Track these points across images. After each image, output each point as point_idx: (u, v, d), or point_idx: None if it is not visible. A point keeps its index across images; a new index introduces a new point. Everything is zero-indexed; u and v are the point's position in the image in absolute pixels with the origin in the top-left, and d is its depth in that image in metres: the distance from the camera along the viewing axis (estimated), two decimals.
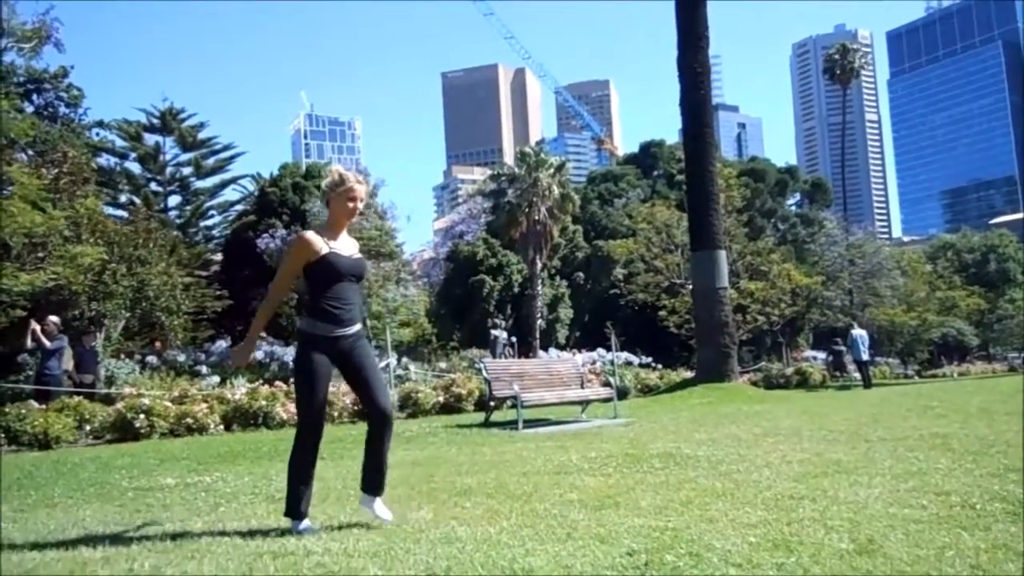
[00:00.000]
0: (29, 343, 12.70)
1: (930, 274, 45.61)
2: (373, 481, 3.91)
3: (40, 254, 17.40)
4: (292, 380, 4.24)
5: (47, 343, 12.23)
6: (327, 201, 3.98)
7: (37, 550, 3.61)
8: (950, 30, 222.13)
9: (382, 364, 20.35)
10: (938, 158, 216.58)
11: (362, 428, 11.11)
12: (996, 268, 59.02)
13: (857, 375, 23.93)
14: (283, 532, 3.77)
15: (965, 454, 5.30)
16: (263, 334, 24.58)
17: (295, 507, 3.83)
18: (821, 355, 38.53)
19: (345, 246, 3.93)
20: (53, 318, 12.99)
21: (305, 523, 3.80)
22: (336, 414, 12.12)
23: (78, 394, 11.50)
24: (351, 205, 3.92)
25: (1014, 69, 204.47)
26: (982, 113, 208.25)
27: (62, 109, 29.02)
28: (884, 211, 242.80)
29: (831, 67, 57.12)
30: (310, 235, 3.87)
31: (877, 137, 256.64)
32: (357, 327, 3.92)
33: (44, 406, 10.37)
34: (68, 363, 12.67)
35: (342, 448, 8.08)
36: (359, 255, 4.02)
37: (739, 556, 2.87)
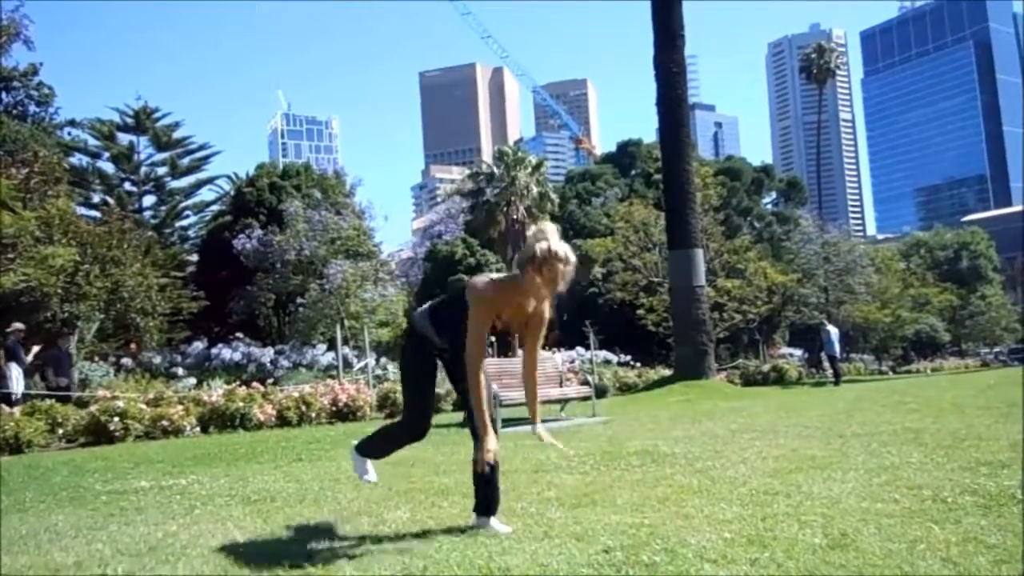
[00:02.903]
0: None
1: (903, 271, 46.21)
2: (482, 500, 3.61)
3: (10, 255, 17.14)
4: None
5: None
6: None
7: (8, 556, 3.56)
8: (923, 30, 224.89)
9: (360, 364, 20.38)
10: (911, 157, 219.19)
11: (342, 429, 11.06)
12: (968, 265, 59.94)
13: (831, 371, 24.17)
14: (260, 535, 3.75)
15: (937, 448, 5.36)
16: (240, 334, 24.49)
17: (362, 446, 3.90)
18: (797, 352, 38.93)
19: (509, 315, 3.41)
20: (18, 324, 12.90)
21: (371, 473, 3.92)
22: (314, 415, 12.04)
23: (50, 397, 11.35)
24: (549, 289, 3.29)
25: (985, 69, 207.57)
26: (954, 112, 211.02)
27: (32, 108, 28.65)
28: (858, 209, 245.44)
29: (808, 66, 57.73)
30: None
31: (851, 136, 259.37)
32: None
33: (12, 411, 10.24)
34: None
35: (320, 449, 8.05)
36: (520, 328, 3.50)
37: (714, 552, 2.89)
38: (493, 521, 3.59)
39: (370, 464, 3.92)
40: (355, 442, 3.98)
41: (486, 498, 3.60)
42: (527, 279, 3.27)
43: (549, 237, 3.27)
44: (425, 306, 3.69)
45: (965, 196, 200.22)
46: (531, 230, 3.40)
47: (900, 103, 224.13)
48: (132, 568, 3.17)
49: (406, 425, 3.77)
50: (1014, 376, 15.31)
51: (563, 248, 3.26)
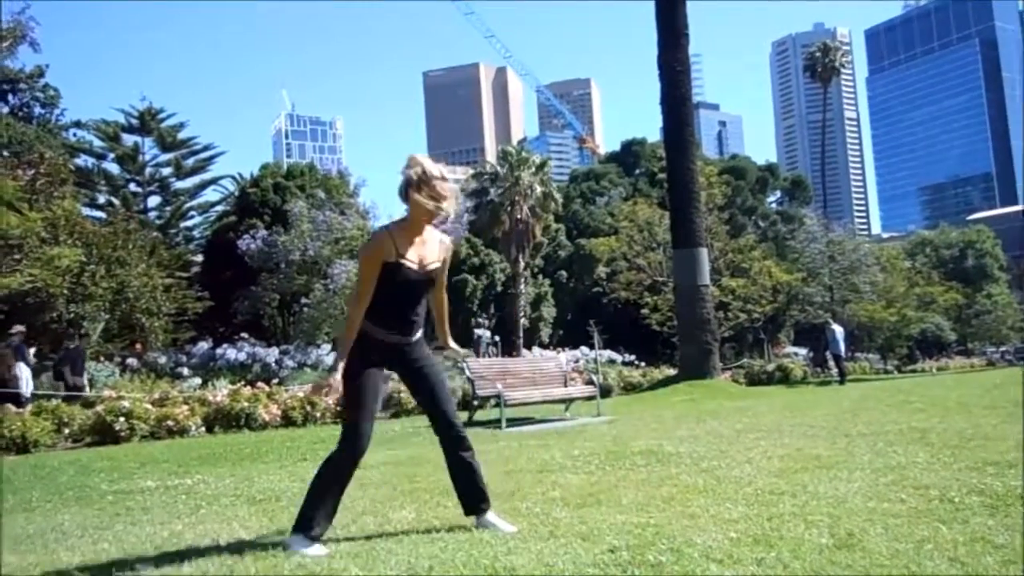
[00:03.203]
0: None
1: (909, 270, 45.98)
2: (470, 500, 3.61)
3: (16, 256, 17.20)
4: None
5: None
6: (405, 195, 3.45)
7: (15, 555, 3.57)
8: (928, 28, 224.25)
9: None
10: (916, 155, 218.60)
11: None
12: (974, 264, 59.71)
13: (836, 370, 24.12)
14: (265, 534, 3.75)
15: (943, 448, 5.34)
16: (244, 334, 24.53)
17: (307, 522, 3.31)
18: (802, 351, 38.84)
19: (418, 252, 3.46)
20: (19, 327, 12.97)
21: (316, 547, 3.25)
22: (319, 415, 12.05)
23: (66, 396, 11.41)
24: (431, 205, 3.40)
25: (990, 66, 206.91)
26: (959, 110, 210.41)
27: (37, 109, 28.79)
28: (863, 208, 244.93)
29: (812, 65, 57.63)
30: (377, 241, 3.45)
31: (856, 134, 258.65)
32: (418, 335, 3.58)
33: (21, 411, 10.28)
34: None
35: (324, 449, 8.03)
36: (435, 263, 3.53)
37: (720, 552, 2.88)
38: (491, 515, 3.58)
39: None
40: (289, 532, 3.39)
41: (468, 496, 3.60)
42: (412, 205, 3.42)
43: (422, 162, 3.44)
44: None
45: (970, 194, 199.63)
46: (404, 163, 3.51)
47: (905, 101, 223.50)
48: (138, 567, 3.17)
49: (351, 439, 3.38)
50: (1020, 376, 15.25)
51: (437, 167, 3.45)
